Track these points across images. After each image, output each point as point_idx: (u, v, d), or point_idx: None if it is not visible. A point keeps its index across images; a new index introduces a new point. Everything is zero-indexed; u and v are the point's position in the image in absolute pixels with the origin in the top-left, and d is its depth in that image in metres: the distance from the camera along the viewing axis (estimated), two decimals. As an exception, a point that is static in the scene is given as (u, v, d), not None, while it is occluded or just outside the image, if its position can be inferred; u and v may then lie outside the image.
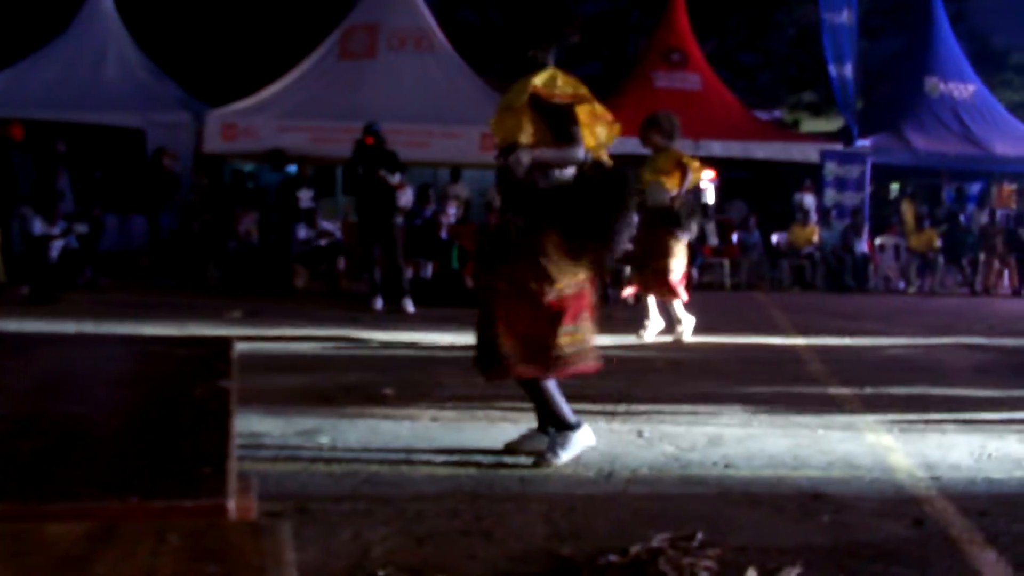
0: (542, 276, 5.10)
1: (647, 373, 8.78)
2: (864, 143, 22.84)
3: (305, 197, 17.92)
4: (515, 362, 5.16)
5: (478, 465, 5.24)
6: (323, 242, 17.57)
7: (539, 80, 5.17)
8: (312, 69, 21.42)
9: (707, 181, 23.42)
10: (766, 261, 22.26)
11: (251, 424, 6.13)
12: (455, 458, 5.37)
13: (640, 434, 6.09)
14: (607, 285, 14.71)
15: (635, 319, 11.08)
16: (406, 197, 14.35)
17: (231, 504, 1.35)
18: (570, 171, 5.23)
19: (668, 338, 10.76)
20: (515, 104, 5.24)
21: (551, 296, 5.12)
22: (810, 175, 22.52)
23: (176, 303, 13.58)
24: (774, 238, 22.50)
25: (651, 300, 10.83)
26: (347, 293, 15.80)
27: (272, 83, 21.41)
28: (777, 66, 35.68)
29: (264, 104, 20.71)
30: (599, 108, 5.34)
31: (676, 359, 9.73)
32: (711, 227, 21.43)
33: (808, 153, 22.77)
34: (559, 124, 5.15)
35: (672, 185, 10.40)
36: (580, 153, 5.17)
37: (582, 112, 5.20)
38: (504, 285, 5.17)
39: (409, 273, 14.51)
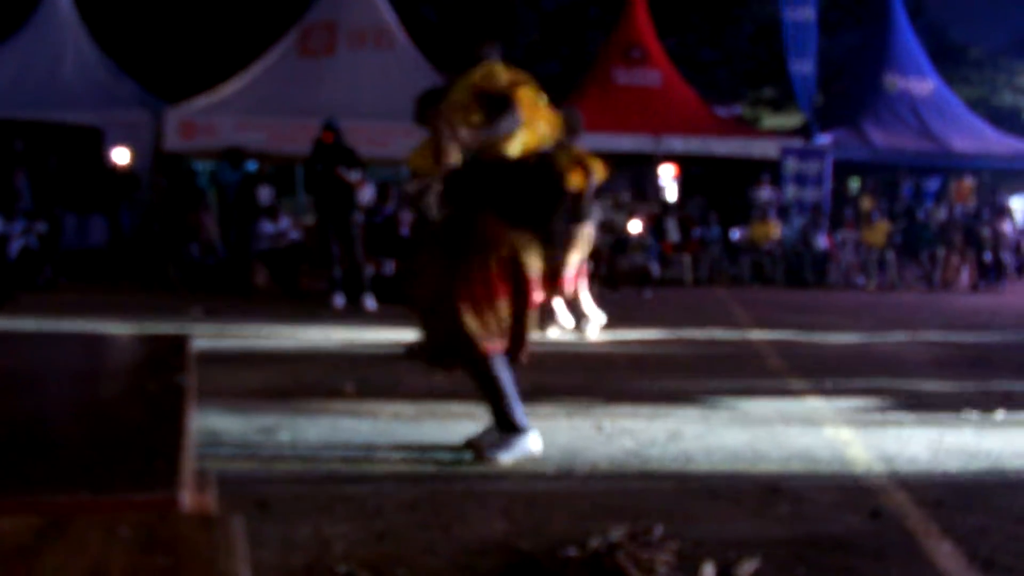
0: (479, 260, 5.14)
1: (607, 368, 8.80)
2: (824, 139, 22.96)
3: (264, 195, 17.87)
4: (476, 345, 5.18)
5: (438, 461, 5.24)
6: (287, 240, 17.55)
7: (478, 75, 5.22)
8: (271, 66, 21.36)
9: (669, 178, 23.52)
10: (726, 257, 22.36)
11: (211, 421, 6.11)
12: (415, 454, 5.37)
13: (600, 429, 6.10)
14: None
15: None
16: (367, 194, 14.33)
17: (183, 497, 1.35)
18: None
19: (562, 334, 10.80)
20: (460, 102, 5.29)
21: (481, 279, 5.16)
22: (769, 171, 22.62)
23: (136, 302, 13.52)
24: (734, 234, 22.59)
25: (584, 296, 10.81)
26: (307, 291, 15.77)
27: (230, 80, 21.32)
28: (737, 62, 35.82)
29: (222, 102, 20.64)
30: (540, 98, 5.35)
31: (637, 355, 9.77)
32: (672, 223, 21.50)
33: (768, 149, 22.89)
34: (498, 105, 5.17)
35: (575, 183, 10.23)
36: (514, 123, 5.16)
37: (524, 95, 5.21)
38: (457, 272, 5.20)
39: (370, 270, 14.47)
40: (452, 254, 5.23)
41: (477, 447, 5.39)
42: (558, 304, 10.77)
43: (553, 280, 10.21)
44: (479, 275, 5.13)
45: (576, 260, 10.50)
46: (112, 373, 2.27)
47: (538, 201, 5.21)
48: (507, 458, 5.28)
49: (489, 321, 5.16)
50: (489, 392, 5.36)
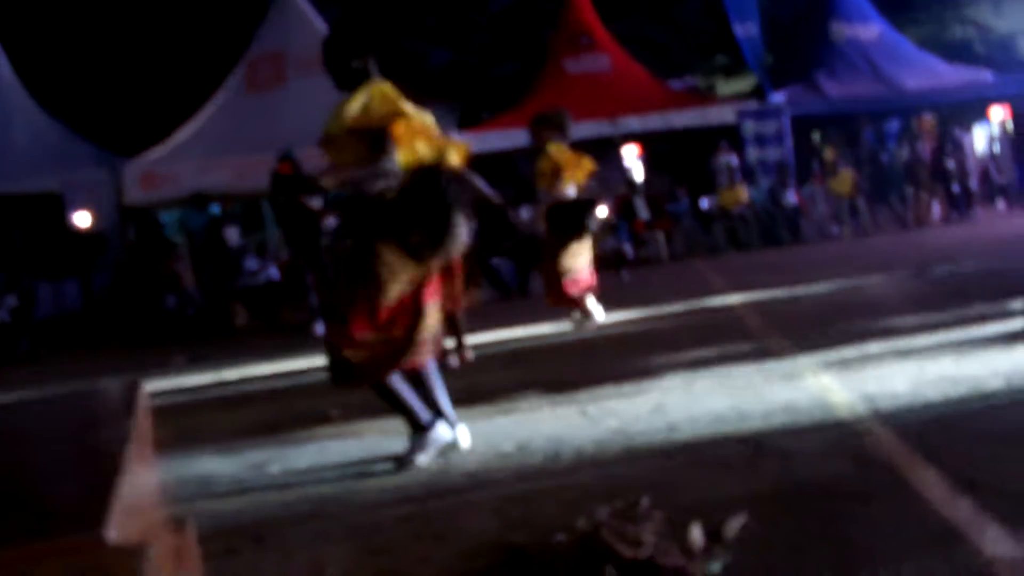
0: (378, 282, 5.20)
1: (589, 354, 8.84)
2: (779, 98, 23.03)
3: (232, 235, 17.86)
4: (368, 369, 5.25)
5: (427, 471, 5.26)
6: (262, 278, 17.56)
7: (354, 109, 5.27)
8: (222, 106, 21.38)
9: (634, 158, 23.55)
10: (699, 228, 22.43)
11: (202, 464, 6.18)
12: (404, 468, 5.38)
13: (584, 414, 6.12)
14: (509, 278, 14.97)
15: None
16: (331, 222, 14.36)
17: (110, 535, 1.37)
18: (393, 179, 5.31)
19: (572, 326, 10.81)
20: (336, 134, 5.36)
21: (386, 300, 5.21)
22: (727, 137, 22.68)
23: (118, 362, 13.51)
24: (703, 203, 22.66)
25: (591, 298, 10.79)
26: (288, 324, 15.77)
27: (184, 125, 21.32)
28: (687, 35, 35.81)
29: (179, 148, 20.66)
30: (419, 123, 5.37)
31: (617, 336, 9.80)
32: (641, 202, 21.53)
33: (725, 115, 22.95)
34: (375, 144, 5.22)
35: (544, 186, 10.38)
36: (390, 164, 5.23)
37: (400, 127, 5.25)
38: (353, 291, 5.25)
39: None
40: (347, 281, 5.31)
41: (400, 459, 5.47)
42: (590, 299, 10.77)
43: (557, 289, 10.28)
44: (372, 302, 5.20)
45: (577, 264, 10.52)
46: (55, 428, 2.30)
47: (427, 218, 5.23)
48: (423, 459, 5.40)
49: (381, 349, 5.23)
50: (393, 405, 5.50)
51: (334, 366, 5.35)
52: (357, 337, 5.18)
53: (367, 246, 5.25)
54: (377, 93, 5.32)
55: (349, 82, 5.48)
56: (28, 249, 18.78)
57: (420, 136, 5.34)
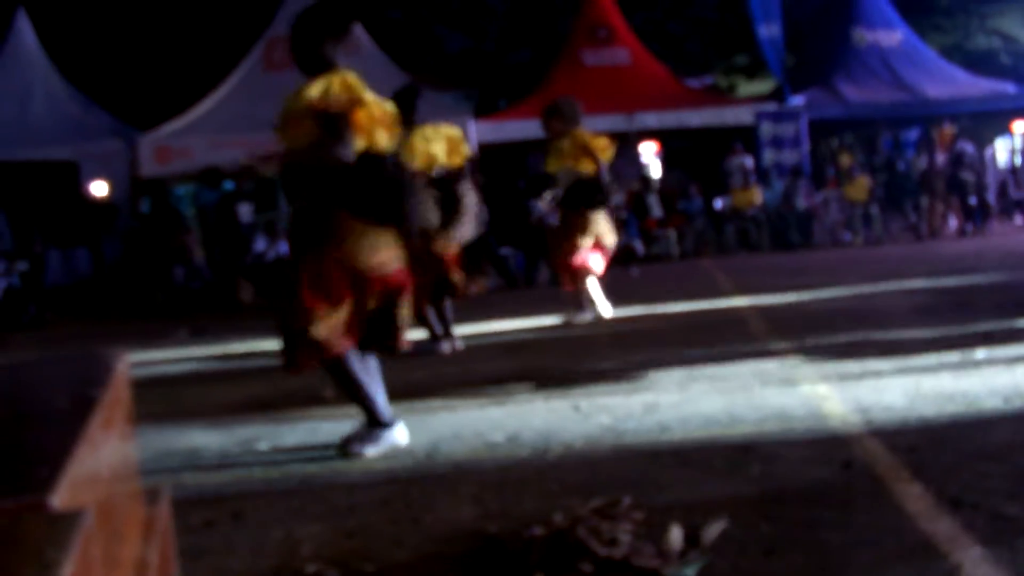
0: (338, 258, 5.17)
1: (587, 349, 8.81)
2: (797, 100, 22.95)
3: (245, 212, 17.88)
4: (323, 346, 5.19)
5: (413, 455, 5.25)
6: (271, 255, 17.56)
7: (315, 92, 5.22)
8: (239, 84, 21.38)
9: (651, 155, 23.55)
10: (710, 227, 22.39)
11: (192, 437, 6.20)
12: (391, 451, 5.37)
13: (577, 409, 6.10)
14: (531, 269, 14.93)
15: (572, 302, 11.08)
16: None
17: (53, 500, 1.36)
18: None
19: (587, 317, 10.74)
20: (296, 114, 5.30)
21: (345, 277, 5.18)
22: (741, 138, 22.63)
23: (122, 331, 13.55)
24: (717, 203, 22.62)
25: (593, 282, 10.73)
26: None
27: (201, 101, 21.33)
28: (706, 32, 35.71)
29: (194, 123, 20.66)
30: (380, 111, 5.33)
31: (619, 332, 9.77)
32: (654, 199, 21.50)
33: (742, 116, 22.90)
34: (332, 128, 5.18)
35: (587, 167, 10.32)
36: (345, 151, 5.18)
37: (361, 116, 5.21)
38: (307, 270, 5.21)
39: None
40: (295, 255, 5.29)
41: (345, 444, 5.42)
42: (592, 287, 10.71)
43: (566, 265, 10.28)
44: (321, 275, 5.16)
45: (587, 243, 10.47)
46: (21, 393, 2.28)
47: (383, 197, 5.21)
48: (372, 452, 5.33)
49: (334, 322, 5.18)
50: (347, 390, 5.44)
51: (288, 345, 5.30)
52: (310, 309, 5.14)
53: (320, 217, 5.24)
54: (338, 80, 5.28)
55: (315, 70, 5.43)
56: (41, 216, 18.82)
57: (382, 125, 5.31)
